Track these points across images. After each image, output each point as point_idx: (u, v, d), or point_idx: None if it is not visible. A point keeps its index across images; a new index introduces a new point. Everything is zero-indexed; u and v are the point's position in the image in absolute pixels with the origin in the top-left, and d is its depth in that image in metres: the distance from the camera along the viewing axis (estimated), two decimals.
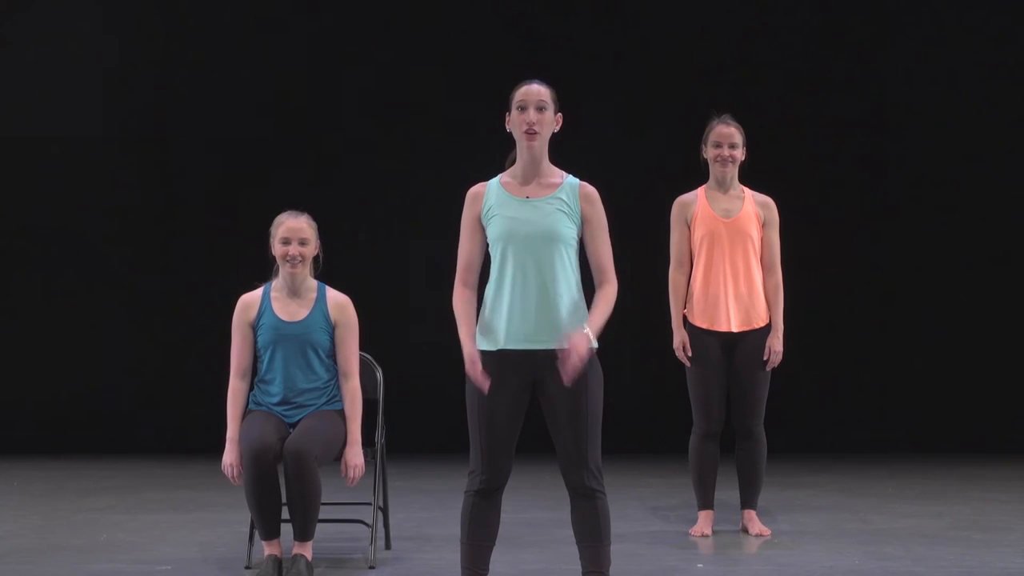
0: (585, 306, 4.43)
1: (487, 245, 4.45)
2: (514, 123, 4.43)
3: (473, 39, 10.10)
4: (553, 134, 4.47)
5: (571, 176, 4.46)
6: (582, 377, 4.33)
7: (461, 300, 4.44)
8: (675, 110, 9.48)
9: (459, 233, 4.49)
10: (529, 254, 4.33)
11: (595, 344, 4.29)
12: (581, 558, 4.45)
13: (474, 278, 4.48)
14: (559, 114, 4.46)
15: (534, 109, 4.40)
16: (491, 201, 4.44)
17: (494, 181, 4.49)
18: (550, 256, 4.35)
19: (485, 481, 4.40)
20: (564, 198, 4.39)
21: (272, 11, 10.27)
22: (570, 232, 4.38)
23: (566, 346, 4.21)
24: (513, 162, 4.50)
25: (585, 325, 4.29)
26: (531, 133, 4.39)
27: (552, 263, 4.35)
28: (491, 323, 4.40)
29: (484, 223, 4.44)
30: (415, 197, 9.99)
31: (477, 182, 4.51)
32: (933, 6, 10.04)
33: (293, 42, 10.26)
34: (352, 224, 9.78)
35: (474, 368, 4.28)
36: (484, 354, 4.39)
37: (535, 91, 4.42)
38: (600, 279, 4.43)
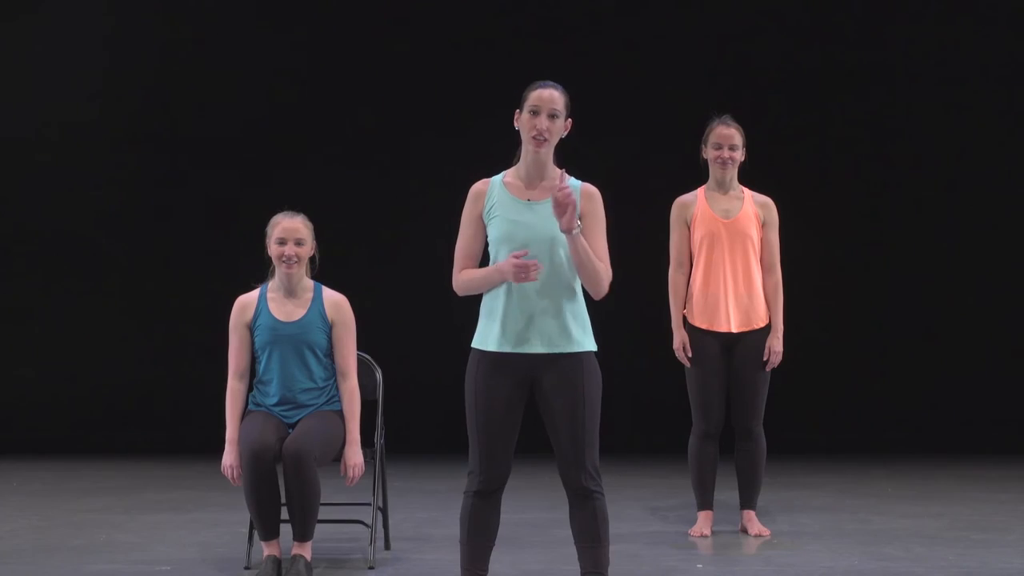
0: (585, 308, 4.43)
1: (484, 241, 4.45)
2: (523, 124, 4.41)
3: (474, 39, 10.09)
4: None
5: (574, 179, 4.44)
6: (579, 379, 4.34)
7: (461, 278, 4.43)
8: (675, 110, 9.48)
9: (459, 230, 4.49)
10: (527, 257, 4.32)
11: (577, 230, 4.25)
12: (580, 559, 4.45)
13: (474, 265, 4.47)
14: (569, 119, 4.45)
15: (546, 116, 4.38)
16: (493, 200, 4.43)
17: (497, 179, 4.48)
18: (548, 259, 4.34)
19: (483, 481, 4.40)
20: None
21: (272, 10, 10.27)
22: None
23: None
24: (520, 158, 4.49)
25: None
26: (539, 140, 4.38)
27: (550, 266, 4.34)
28: (489, 325, 4.40)
29: (485, 221, 4.44)
30: (414, 197, 9.99)
31: (477, 180, 4.51)
32: (935, 6, 10.04)
33: (293, 41, 10.26)
34: (351, 224, 9.78)
35: (518, 260, 4.24)
36: (481, 354, 4.39)
37: (548, 97, 4.39)
38: None
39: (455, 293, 4.50)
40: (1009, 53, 10.00)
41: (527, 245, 4.33)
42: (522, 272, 4.24)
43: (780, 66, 10.06)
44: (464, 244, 4.47)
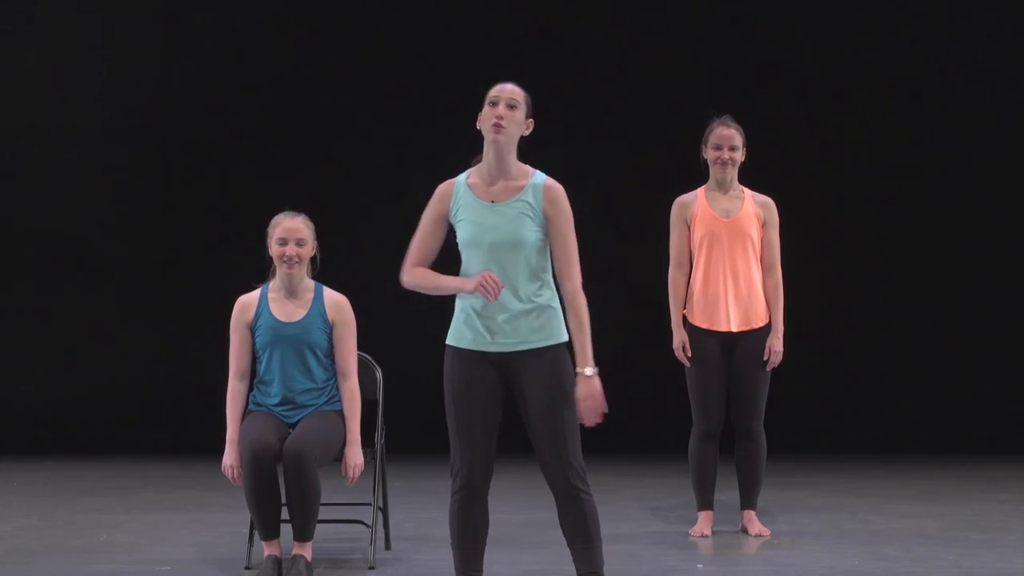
0: (559, 304, 4.39)
1: (442, 242, 4.45)
2: (484, 118, 4.41)
3: (470, 38, 10.09)
4: (524, 138, 4.44)
5: (539, 173, 4.41)
6: (556, 373, 4.32)
7: (415, 273, 4.44)
8: (675, 110, 9.48)
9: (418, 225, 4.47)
10: (494, 260, 4.32)
11: (592, 372, 4.27)
12: (574, 560, 4.44)
13: (426, 265, 4.47)
14: (530, 119, 4.43)
15: (505, 105, 4.37)
16: (459, 203, 4.43)
17: (461, 179, 4.47)
18: (516, 261, 4.33)
19: (466, 478, 4.39)
20: (529, 200, 4.36)
21: (271, 10, 10.27)
22: (534, 235, 4.35)
23: (579, 395, 4.24)
24: (480, 162, 4.47)
25: (581, 368, 4.28)
26: (498, 126, 4.35)
27: (517, 268, 4.33)
28: (462, 322, 4.41)
29: (452, 223, 4.43)
30: (413, 196, 9.95)
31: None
32: (936, 6, 10.04)
33: (292, 41, 10.26)
34: (351, 224, 9.78)
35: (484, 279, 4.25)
36: (456, 351, 4.40)
37: (508, 89, 4.41)
38: (560, 278, 4.39)
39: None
40: (1010, 52, 9.99)
41: (492, 248, 4.32)
42: (482, 288, 4.23)
43: (780, 66, 10.05)
44: (421, 241, 4.47)
